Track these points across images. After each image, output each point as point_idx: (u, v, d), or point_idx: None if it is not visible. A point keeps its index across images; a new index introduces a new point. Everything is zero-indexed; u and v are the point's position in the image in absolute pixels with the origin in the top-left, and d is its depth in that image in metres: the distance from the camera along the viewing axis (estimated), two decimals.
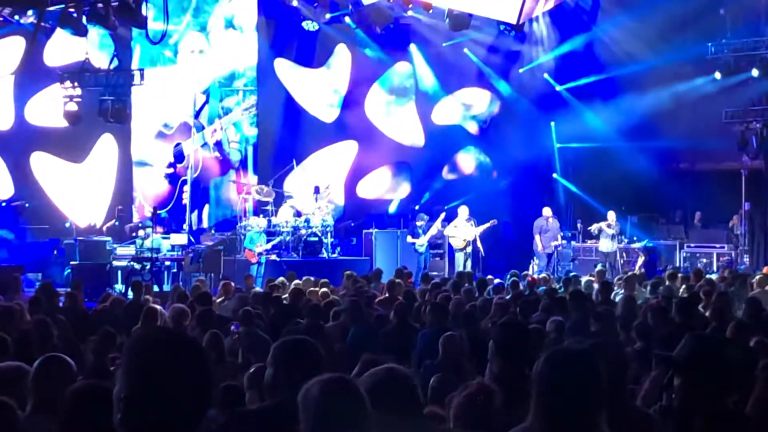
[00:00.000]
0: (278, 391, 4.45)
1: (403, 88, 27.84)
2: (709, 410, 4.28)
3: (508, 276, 16.53)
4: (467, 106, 28.25)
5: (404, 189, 27.80)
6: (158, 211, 22.10)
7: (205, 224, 24.89)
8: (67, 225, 23.18)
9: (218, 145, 26.00)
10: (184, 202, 24.97)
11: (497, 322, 8.02)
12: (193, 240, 22.59)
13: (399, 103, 27.86)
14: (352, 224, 25.76)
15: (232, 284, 14.73)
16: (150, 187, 25.26)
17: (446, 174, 28.15)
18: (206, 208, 25.69)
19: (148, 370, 2.43)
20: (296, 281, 15.52)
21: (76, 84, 19.65)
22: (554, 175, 27.42)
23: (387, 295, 13.51)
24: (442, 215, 23.12)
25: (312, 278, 15.73)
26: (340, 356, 8.82)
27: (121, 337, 8.19)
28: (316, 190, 23.51)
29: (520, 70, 27.11)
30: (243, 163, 26.37)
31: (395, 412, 3.55)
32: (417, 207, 26.09)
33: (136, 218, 24.15)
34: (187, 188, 24.96)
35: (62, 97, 19.80)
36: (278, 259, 21.80)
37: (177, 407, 2.40)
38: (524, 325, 7.79)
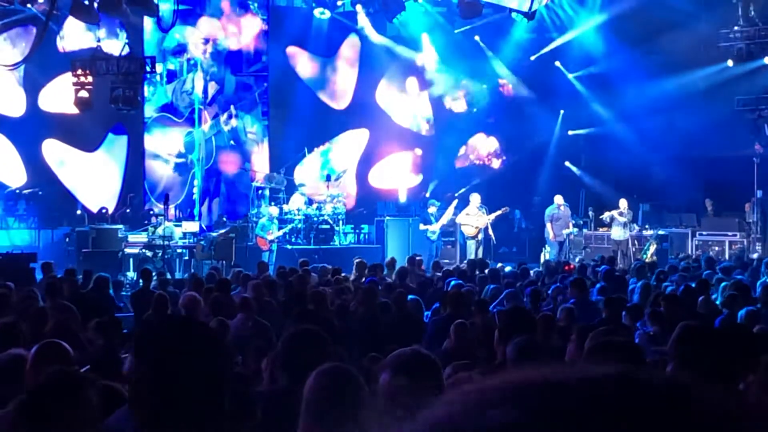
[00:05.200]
0: (288, 376, 4.48)
1: (414, 76, 27.73)
2: None
3: (517, 265, 16.57)
4: (478, 94, 28.16)
5: (415, 177, 27.76)
6: (168, 204, 22.05)
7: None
8: (78, 212, 23.22)
9: (233, 132, 25.86)
10: (195, 197, 24.86)
11: (502, 310, 8.05)
12: (204, 228, 22.61)
13: (410, 92, 27.79)
14: (364, 212, 25.71)
15: (240, 272, 14.53)
16: (160, 179, 25.15)
17: (457, 161, 28.11)
18: (216, 201, 25.53)
19: (158, 357, 2.48)
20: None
21: (87, 71, 19.63)
22: (566, 163, 27.36)
23: (398, 282, 13.51)
24: (455, 202, 23.08)
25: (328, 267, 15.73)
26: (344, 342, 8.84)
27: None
28: (328, 178, 23.54)
29: (532, 58, 27.02)
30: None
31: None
32: (427, 194, 26.02)
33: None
34: (197, 182, 24.88)
35: (73, 84, 19.79)
36: (290, 247, 21.80)
37: (187, 394, 2.42)
38: (528, 312, 7.79)
